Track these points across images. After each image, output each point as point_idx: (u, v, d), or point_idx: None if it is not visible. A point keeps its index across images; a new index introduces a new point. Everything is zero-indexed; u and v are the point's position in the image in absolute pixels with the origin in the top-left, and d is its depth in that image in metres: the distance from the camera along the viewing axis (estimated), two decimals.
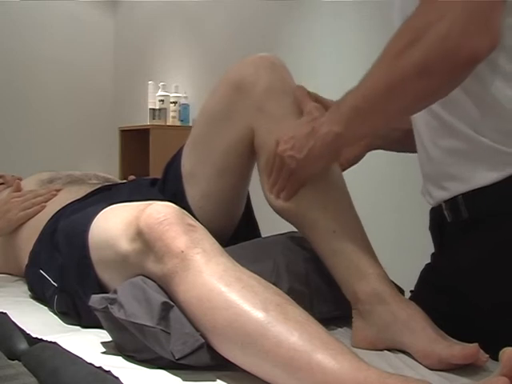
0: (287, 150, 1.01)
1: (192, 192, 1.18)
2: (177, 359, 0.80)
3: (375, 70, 0.89)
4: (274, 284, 0.85)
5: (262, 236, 1.29)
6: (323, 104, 1.08)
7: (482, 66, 0.84)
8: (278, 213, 1.09)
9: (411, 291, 1.10)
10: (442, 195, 0.99)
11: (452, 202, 0.97)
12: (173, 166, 1.22)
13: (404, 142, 1.20)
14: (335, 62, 2.78)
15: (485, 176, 0.91)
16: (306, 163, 1.00)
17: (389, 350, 0.95)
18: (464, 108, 0.91)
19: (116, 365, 0.83)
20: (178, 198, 1.16)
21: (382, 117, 0.92)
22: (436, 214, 1.03)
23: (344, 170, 1.23)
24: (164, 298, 0.84)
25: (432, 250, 1.08)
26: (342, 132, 0.93)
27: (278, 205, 1.07)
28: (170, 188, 1.21)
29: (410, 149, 1.17)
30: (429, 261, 1.09)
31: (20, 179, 1.66)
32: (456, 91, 0.88)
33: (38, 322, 1.08)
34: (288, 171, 1.03)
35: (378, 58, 0.88)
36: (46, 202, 1.43)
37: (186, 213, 0.91)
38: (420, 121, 1.01)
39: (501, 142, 0.89)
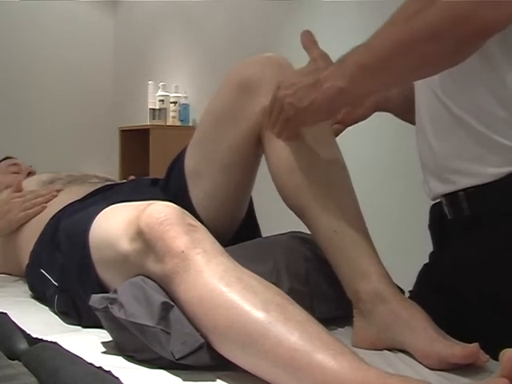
0: (288, 96, 1.00)
1: (195, 191, 1.18)
2: (177, 359, 0.80)
3: (385, 29, 0.88)
4: (274, 284, 0.85)
5: (263, 236, 1.30)
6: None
7: (497, 57, 0.84)
8: (286, 204, 1.09)
9: (410, 291, 1.10)
10: (442, 189, 0.98)
11: (453, 198, 0.96)
12: (176, 165, 1.22)
13: (412, 110, 1.19)
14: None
15: (490, 172, 0.90)
16: (304, 114, 0.99)
17: (389, 349, 0.95)
18: (476, 102, 0.91)
19: (116, 365, 0.83)
20: (181, 196, 1.16)
21: (387, 77, 0.91)
22: (436, 211, 1.03)
23: (348, 126, 1.23)
24: (164, 298, 0.84)
25: (431, 249, 1.08)
26: (346, 88, 0.92)
27: (285, 195, 1.07)
28: (173, 187, 1.21)
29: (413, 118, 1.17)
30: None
31: (33, 172, 1.68)
32: (469, 84, 0.88)
33: (39, 321, 1.08)
34: (286, 117, 1.02)
35: (389, 19, 0.88)
36: (47, 202, 1.43)
37: (187, 213, 0.91)
38: (424, 114, 1.00)
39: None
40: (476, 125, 0.91)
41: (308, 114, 0.98)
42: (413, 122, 1.22)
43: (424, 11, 0.81)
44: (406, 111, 1.23)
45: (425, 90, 0.99)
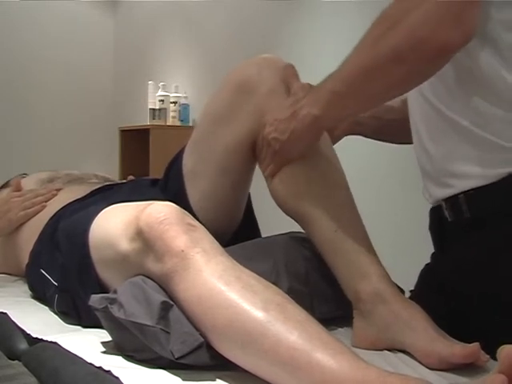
0: (271, 132, 1.05)
1: (193, 191, 1.18)
2: (176, 358, 0.80)
3: (353, 55, 0.92)
4: (274, 284, 0.85)
5: (262, 236, 1.29)
6: None
7: (491, 60, 0.85)
8: (282, 209, 1.09)
9: (411, 291, 1.10)
10: (441, 193, 0.98)
11: (453, 201, 0.96)
12: (174, 166, 1.22)
13: (382, 131, 1.26)
14: (335, 62, 2.77)
15: (487, 173, 0.91)
16: (288, 145, 1.04)
17: (389, 349, 0.95)
18: (469, 105, 0.91)
19: (116, 365, 0.83)
20: (179, 197, 1.16)
21: (359, 101, 0.95)
22: (436, 213, 1.03)
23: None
24: (163, 298, 0.84)
25: (432, 250, 1.08)
26: (321, 114, 0.97)
27: (282, 201, 1.08)
28: (171, 187, 1.21)
29: (388, 138, 1.22)
30: (428, 261, 1.09)
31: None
32: (460, 88, 0.89)
33: (39, 321, 1.08)
34: (272, 152, 1.07)
35: (357, 44, 0.92)
36: (47, 201, 1.43)
37: (186, 212, 0.92)
38: (419, 118, 1.01)
39: (507, 138, 0.89)
40: (470, 126, 0.92)
41: (291, 144, 1.03)
42: (386, 141, 1.27)
43: (387, 35, 0.84)
44: (377, 132, 1.28)
45: (417, 96, 1.00)
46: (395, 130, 1.20)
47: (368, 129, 1.28)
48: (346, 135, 1.31)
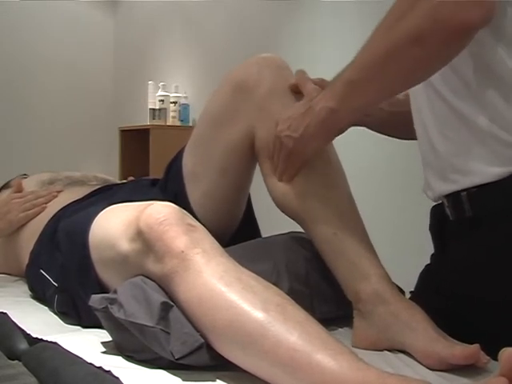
0: (284, 129, 1.02)
1: (193, 191, 1.18)
2: (176, 359, 0.80)
3: (369, 42, 0.90)
4: (274, 284, 0.85)
5: (263, 236, 1.29)
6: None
7: (508, 57, 0.84)
8: (282, 210, 1.09)
9: (411, 292, 1.10)
10: (445, 188, 0.97)
11: (455, 199, 0.96)
12: (174, 166, 1.22)
13: (388, 123, 1.21)
14: (335, 62, 2.77)
15: (494, 171, 0.90)
16: (303, 142, 1.00)
17: (389, 350, 0.95)
18: (486, 102, 0.90)
19: (116, 365, 0.83)
20: (179, 197, 1.16)
21: (377, 89, 0.92)
22: (437, 212, 1.03)
23: None
24: (164, 298, 0.84)
25: (432, 250, 1.08)
26: (337, 107, 0.93)
27: (282, 202, 1.07)
28: (171, 187, 1.21)
29: (394, 132, 1.18)
30: (428, 261, 1.09)
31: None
32: (478, 85, 0.87)
33: (38, 321, 1.08)
34: (286, 151, 1.03)
35: (373, 31, 0.89)
36: (47, 203, 1.43)
37: (187, 213, 0.91)
38: (427, 110, 1.00)
39: None
40: (486, 124, 0.90)
41: (305, 141, 1.00)
42: (391, 135, 1.23)
43: (404, 18, 0.83)
44: (383, 125, 1.24)
45: (426, 91, 0.99)
46: (400, 124, 1.16)
47: (374, 120, 1.24)
48: (352, 126, 1.28)
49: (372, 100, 0.98)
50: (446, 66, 0.90)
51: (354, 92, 0.92)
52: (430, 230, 1.08)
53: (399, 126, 1.14)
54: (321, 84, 1.09)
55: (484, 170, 0.91)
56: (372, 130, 1.28)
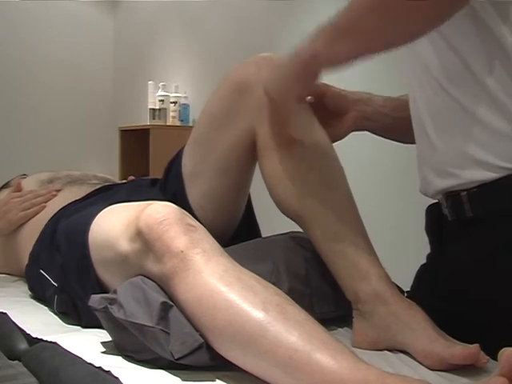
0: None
1: (193, 191, 1.18)
2: (176, 359, 0.80)
3: None
4: (274, 284, 0.85)
5: (262, 236, 1.29)
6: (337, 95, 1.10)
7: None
8: (281, 210, 1.09)
9: (407, 292, 1.09)
10: (443, 184, 0.97)
11: (454, 199, 0.95)
12: (174, 166, 1.22)
13: (391, 128, 1.19)
14: None
15: (497, 164, 0.89)
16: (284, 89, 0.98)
17: (389, 350, 0.95)
18: (490, 93, 0.88)
19: (116, 365, 0.83)
20: (178, 197, 1.16)
21: (366, 38, 0.88)
22: (434, 212, 1.02)
23: None
24: (163, 298, 0.84)
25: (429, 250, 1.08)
26: (321, 50, 0.90)
27: (281, 202, 1.07)
28: (171, 188, 1.21)
29: (396, 137, 1.17)
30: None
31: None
32: (482, 74, 0.86)
33: (38, 321, 1.08)
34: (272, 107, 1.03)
35: None
36: (46, 202, 1.43)
37: (186, 213, 0.91)
38: (423, 107, 0.98)
39: None
40: (485, 114, 0.89)
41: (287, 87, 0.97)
42: (393, 140, 1.22)
43: None
44: (385, 130, 1.22)
45: (426, 82, 0.96)
46: (404, 129, 1.15)
47: (376, 125, 1.22)
48: (353, 130, 1.24)
49: (361, 50, 0.92)
50: (446, 50, 0.88)
51: (339, 36, 0.88)
52: (425, 229, 1.07)
53: (403, 131, 1.13)
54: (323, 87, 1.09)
55: (485, 168, 0.89)
56: (376, 134, 1.27)
